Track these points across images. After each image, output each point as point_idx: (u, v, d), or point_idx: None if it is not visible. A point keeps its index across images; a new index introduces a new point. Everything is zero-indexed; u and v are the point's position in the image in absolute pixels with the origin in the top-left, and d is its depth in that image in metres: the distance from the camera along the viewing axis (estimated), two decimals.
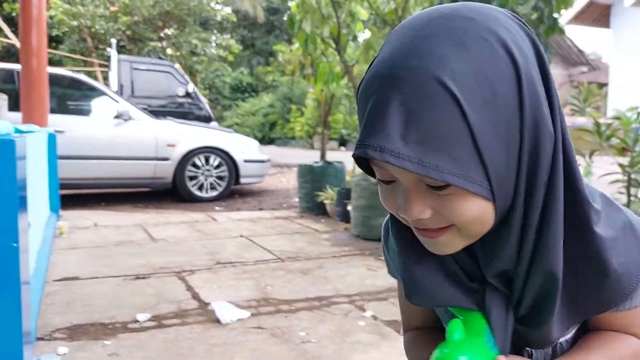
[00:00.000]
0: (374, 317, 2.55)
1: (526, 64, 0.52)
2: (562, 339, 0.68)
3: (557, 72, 16.67)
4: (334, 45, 4.89)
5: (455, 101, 0.49)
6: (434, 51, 0.50)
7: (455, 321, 0.61)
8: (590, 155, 3.22)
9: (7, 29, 11.19)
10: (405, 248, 0.63)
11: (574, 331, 0.69)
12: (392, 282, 3.11)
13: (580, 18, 12.91)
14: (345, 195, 4.93)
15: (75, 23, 12.19)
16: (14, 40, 8.42)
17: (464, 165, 0.50)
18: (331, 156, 7.54)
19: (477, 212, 0.54)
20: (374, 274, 3.28)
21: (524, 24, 0.56)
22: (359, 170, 5.11)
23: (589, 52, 23.84)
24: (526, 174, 0.54)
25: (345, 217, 4.92)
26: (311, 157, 7.16)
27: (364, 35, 6.01)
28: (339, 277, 3.22)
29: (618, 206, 0.63)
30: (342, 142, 17.02)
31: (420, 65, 0.50)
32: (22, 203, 1.53)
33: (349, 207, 4.64)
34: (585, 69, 16.37)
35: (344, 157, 6.65)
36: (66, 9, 11.89)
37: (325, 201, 5.41)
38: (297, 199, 6.15)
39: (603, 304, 0.62)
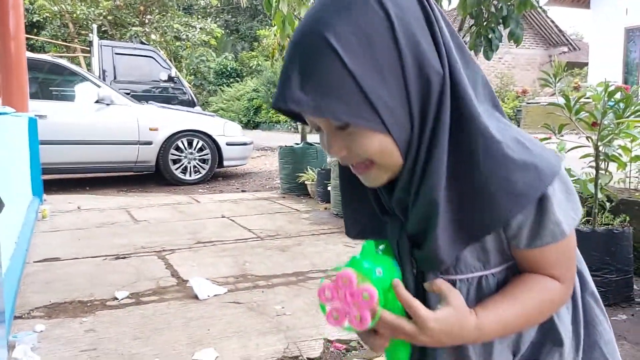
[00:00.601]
0: None
1: (402, 14, 0.61)
2: (486, 272, 0.71)
3: (537, 52, 16.78)
4: None
5: (337, 54, 0.59)
6: (324, 17, 0.61)
7: (368, 241, 0.71)
8: (560, 129, 3.29)
9: None
10: (343, 191, 0.77)
11: (501, 268, 0.71)
12: None
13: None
14: (325, 176, 4.99)
15: (56, 8, 12.03)
16: None
17: (355, 106, 0.59)
18: (313, 138, 7.59)
19: (378, 146, 0.63)
20: (351, 250, 3.36)
21: None
22: None
23: (570, 33, 23.99)
24: (418, 107, 0.62)
25: (326, 197, 4.99)
26: (296, 140, 7.20)
27: None
28: (316, 253, 3.30)
29: (528, 147, 0.66)
30: None
31: (313, 30, 0.61)
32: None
33: (329, 188, 4.70)
34: (565, 49, 16.50)
35: None
36: None
37: (307, 182, 5.47)
38: (278, 181, 6.21)
39: (488, 222, 0.65)
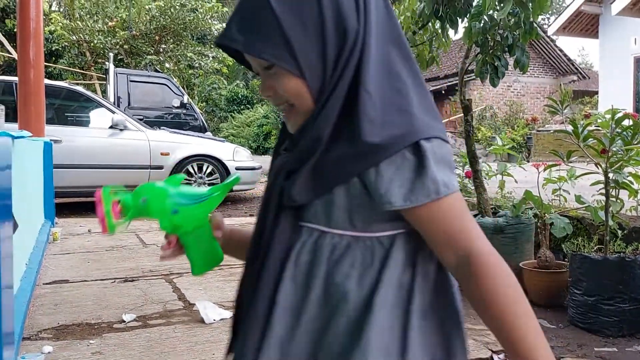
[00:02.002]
0: None
1: None
2: (327, 230, 0.71)
3: (546, 81, 16.82)
4: None
5: (269, 4, 0.68)
6: None
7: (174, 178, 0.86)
8: (568, 156, 3.30)
9: (7, 44, 11.33)
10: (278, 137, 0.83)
11: (343, 232, 0.70)
12: None
13: (568, 28, 13.08)
14: None
15: (74, 38, 12.34)
16: (15, 55, 8.55)
17: (277, 48, 0.68)
18: None
19: (294, 88, 0.70)
20: None
21: None
22: None
23: (579, 62, 24.08)
24: (333, 58, 0.69)
25: None
26: None
27: None
28: None
29: (405, 110, 0.67)
30: None
31: None
32: (5, 207, 1.60)
33: None
34: (575, 77, 16.52)
35: None
36: (65, 24, 12.05)
37: None
38: None
39: (342, 170, 0.67)
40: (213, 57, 14.19)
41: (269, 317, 0.71)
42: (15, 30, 7.01)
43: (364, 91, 0.67)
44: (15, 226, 1.71)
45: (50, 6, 14.86)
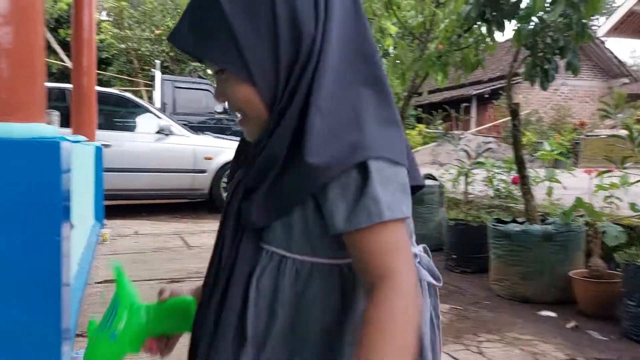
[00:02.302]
0: None
1: None
2: (288, 254, 0.68)
3: (595, 84, 16.26)
4: None
5: (219, 3, 0.64)
6: None
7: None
8: (622, 161, 3.18)
9: (61, 52, 11.82)
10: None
11: (304, 258, 0.67)
12: None
13: (619, 29, 12.61)
14: None
15: (123, 46, 12.79)
16: (68, 63, 8.92)
17: (227, 53, 0.64)
18: None
19: (244, 96, 0.67)
20: None
21: None
22: None
23: (631, 64, 23.17)
24: (286, 65, 0.64)
25: None
26: None
27: (393, 50, 6.10)
28: None
29: (360, 124, 0.62)
30: None
31: None
32: (66, 209, 1.67)
33: None
34: (626, 80, 15.91)
35: None
36: (115, 33, 12.51)
37: None
38: None
39: (298, 192, 0.63)
40: None
41: (238, 348, 0.69)
42: (67, 39, 7.31)
43: (314, 106, 0.62)
44: (71, 227, 1.78)
45: (100, 15, 15.46)
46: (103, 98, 6.16)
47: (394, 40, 5.15)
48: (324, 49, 0.63)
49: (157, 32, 12.58)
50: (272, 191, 0.65)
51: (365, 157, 0.60)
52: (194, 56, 0.69)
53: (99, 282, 3.21)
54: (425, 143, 14.42)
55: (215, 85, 0.71)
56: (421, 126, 14.76)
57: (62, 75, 12.97)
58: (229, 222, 0.72)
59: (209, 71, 12.09)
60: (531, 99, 14.83)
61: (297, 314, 0.67)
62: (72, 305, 2.28)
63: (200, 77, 10.81)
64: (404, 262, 0.62)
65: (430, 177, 4.46)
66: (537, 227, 2.96)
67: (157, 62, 10.60)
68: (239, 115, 0.71)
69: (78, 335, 2.35)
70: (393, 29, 5.23)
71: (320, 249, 0.67)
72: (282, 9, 0.63)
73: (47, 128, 1.64)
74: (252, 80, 0.64)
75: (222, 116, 9.41)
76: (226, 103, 0.71)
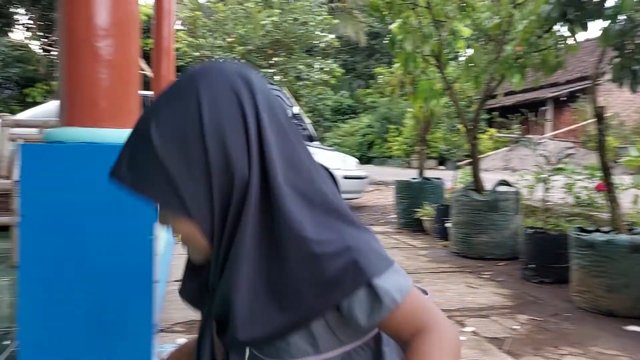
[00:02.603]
0: (475, 333, 2.53)
1: (215, 116, 0.67)
2: (319, 357, 0.71)
3: None
4: (434, 63, 4.92)
5: (152, 144, 0.66)
6: (157, 104, 0.70)
7: None
8: None
9: (141, 61, 12.43)
10: (185, 270, 0.80)
11: (335, 353, 0.71)
12: (494, 300, 3.07)
13: None
14: (443, 212, 4.89)
15: (197, 54, 13.29)
16: (147, 71, 9.38)
17: (163, 192, 0.66)
18: (429, 174, 7.50)
19: (186, 229, 0.69)
20: (474, 292, 3.24)
21: (244, 83, 0.69)
22: (459, 186, 5.05)
23: None
24: (220, 203, 0.67)
25: (443, 234, 4.88)
26: (408, 175, 7.17)
27: (466, 52, 5.97)
28: (437, 291, 3.22)
29: (351, 245, 0.66)
30: (441, 161, 16.72)
31: (145, 115, 0.70)
32: (156, 210, 1.76)
33: (448, 224, 4.60)
34: None
35: (443, 176, 6.58)
36: (190, 42, 13.04)
37: (423, 218, 5.39)
38: (394, 215, 6.19)
39: (298, 318, 0.66)
40: (321, 69, 14.54)
41: None
42: (145, 48, 7.69)
43: (294, 241, 0.65)
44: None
45: (175, 25, 16.09)
46: None
47: (466, 43, 5.05)
48: (272, 185, 0.66)
49: (229, 39, 12.98)
50: (257, 317, 0.67)
51: (367, 279, 0.66)
52: (134, 191, 0.68)
53: (177, 281, 3.35)
54: (496, 148, 13.98)
55: (159, 211, 0.72)
56: (492, 130, 14.34)
57: (143, 83, 13.61)
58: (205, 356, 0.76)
59: (276, 77, 12.30)
60: (612, 101, 14.02)
61: None
62: (157, 303, 2.40)
63: (269, 83, 11.07)
64: (433, 313, 0.70)
65: (505, 183, 4.32)
66: (624, 237, 2.80)
67: None
68: (180, 240, 0.73)
69: (161, 331, 2.46)
70: (466, 32, 5.13)
71: (345, 338, 0.72)
72: (214, 150, 0.66)
73: None
74: (191, 216, 0.67)
75: None
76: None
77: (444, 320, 0.71)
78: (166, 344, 2.30)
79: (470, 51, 5.23)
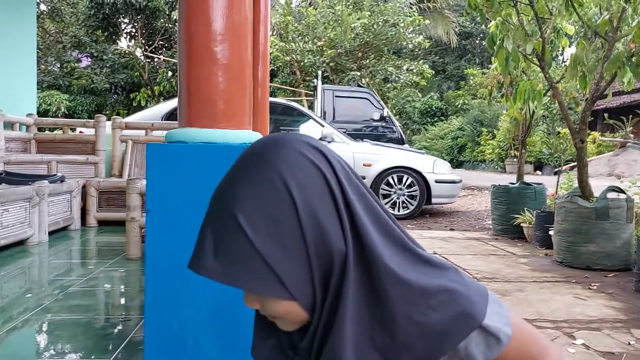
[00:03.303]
0: (586, 346, 2.38)
1: (305, 196, 0.64)
2: None
3: None
4: (536, 63, 4.69)
5: (245, 234, 0.63)
6: (235, 195, 0.65)
7: None
8: None
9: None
10: (256, 327, 0.79)
11: None
12: (606, 313, 2.87)
13: None
14: (546, 219, 4.64)
15: (287, 58, 13.66)
16: None
17: (261, 279, 0.63)
18: (530, 178, 7.15)
19: (285, 309, 0.66)
20: (583, 303, 3.04)
21: (322, 156, 0.68)
22: (562, 192, 4.77)
23: None
24: (320, 280, 0.65)
25: (545, 242, 4.63)
26: (502, 180, 6.87)
27: (569, 51, 5.64)
28: (542, 301, 3.06)
29: (458, 292, 0.67)
30: (538, 166, 15.88)
31: (225, 207, 0.65)
32: None
33: (551, 232, 4.35)
34: None
35: (541, 181, 6.25)
36: (281, 46, 13.43)
37: (523, 224, 5.15)
38: (489, 221, 5.97)
39: None
40: (410, 70, 14.37)
41: None
42: None
43: (402, 305, 0.65)
44: None
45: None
46: (273, 107, 6.64)
47: (571, 40, 4.77)
48: (368, 253, 0.65)
49: (319, 43, 13.21)
50: None
51: (478, 323, 0.67)
52: (226, 284, 0.65)
53: None
54: (599, 153, 13.05)
55: (245, 294, 0.69)
56: (595, 134, 13.41)
57: None
58: None
59: (364, 80, 12.33)
60: None
61: None
62: None
63: (359, 85, 11.10)
64: (543, 341, 0.75)
65: (616, 189, 4.02)
66: None
67: (319, 72, 11.13)
68: (269, 315, 0.70)
69: None
70: (570, 29, 4.85)
71: None
72: (309, 229, 0.64)
73: (255, 135, 1.81)
74: (292, 296, 0.65)
75: (378, 124, 9.54)
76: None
77: (550, 344, 0.76)
78: None
79: (573, 49, 4.93)
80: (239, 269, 0.63)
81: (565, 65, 4.87)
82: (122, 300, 3.00)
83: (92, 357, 2.06)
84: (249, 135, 1.75)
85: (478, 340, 0.68)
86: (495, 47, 4.61)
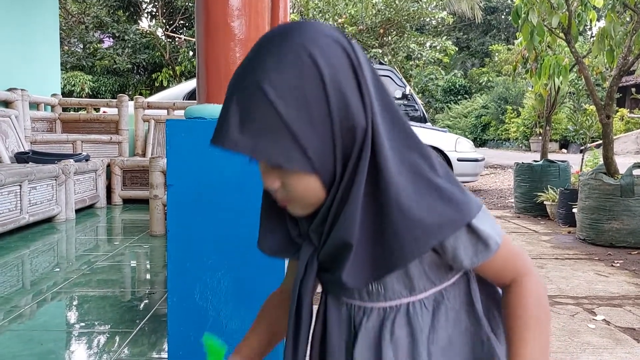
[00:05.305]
0: (606, 322, 2.36)
1: (333, 72, 0.65)
2: (413, 299, 0.75)
3: None
4: (562, 37, 4.57)
5: (273, 105, 0.63)
6: (261, 67, 0.65)
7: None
8: None
9: None
10: (264, 209, 0.80)
11: (428, 293, 0.75)
12: (628, 289, 2.84)
13: None
14: (569, 196, 4.58)
15: None
16: None
17: (288, 151, 0.64)
18: (554, 156, 7.05)
19: (306, 185, 0.68)
20: (605, 280, 3.02)
21: (345, 39, 0.69)
22: (586, 170, 4.68)
23: None
24: (341, 155, 0.67)
25: (568, 220, 4.57)
26: (526, 159, 6.78)
27: (598, 25, 5.47)
28: (562, 278, 3.04)
29: (429, 179, 0.68)
30: (564, 144, 15.58)
31: (251, 79, 0.65)
32: None
33: (575, 210, 4.30)
34: None
35: (566, 159, 6.14)
36: None
37: (546, 202, 5.09)
38: (512, 200, 5.91)
39: (396, 261, 0.67)
40: (433, 47, 14.13)
41: None
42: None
43: (394, 189, 0.66)
44: None
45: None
46: None
47: (600, 14, 4.63)
48: (376, 134, 0.67)
49: (340, 20, 13.05)
50: (362, 262, 0.69)
51: (468, 220, 0.68)
52: (253, 157, 0.66)
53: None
54: (627, 130, 12.71)
55: (264, 173, 0.70)
56: (624, 110, 13.06)
57: None
58: (306, 299, 0.77)
59: (386, 58, 12.16)
60: None
61: (444, 344, 0.76)
62: None
63: (380, 63, 10.98)
64: (527, 261, 0.77)
65: None
66: None
67: None
68: (285, 197, 0.71)
69: None
70: (599, 1, 4.70)
71: (436, 279, 0.76)
72: (335, 102, 0.65)
73: None
74: (316, 171, 0.66)
75: (400, 102, 9.44)
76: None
77: (533, 267, 0.77)
78: None
79: (602, 24, 4.78)
80: (266, 141, 0.63)
81: (593, 40, 4.73)
82: (147, 275, 3.08)
83: (119, 328, 2.13)
84: None
85: (467, 244, 0.70)
86: (520, 21, 4.50)
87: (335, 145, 0.66)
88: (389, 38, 13.10)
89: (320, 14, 13.30)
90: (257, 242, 0.80)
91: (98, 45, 15.91)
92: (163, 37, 15.83)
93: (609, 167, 4.02)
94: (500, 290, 0.80)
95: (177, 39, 15.97)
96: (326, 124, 0.65)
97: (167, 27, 15.75)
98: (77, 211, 4.75)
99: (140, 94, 13.90)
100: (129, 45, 15.49)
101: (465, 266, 0.73)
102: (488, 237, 0.71)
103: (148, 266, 3.25)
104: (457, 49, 17.56)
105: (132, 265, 3.21)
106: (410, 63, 14.17)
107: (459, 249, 0.70)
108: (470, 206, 0.69)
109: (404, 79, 10.19)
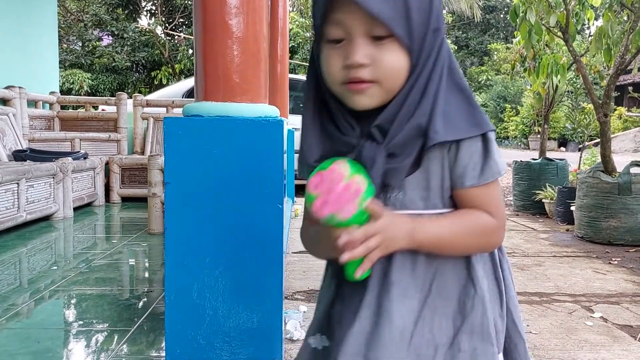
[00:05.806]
0: (604, 319, 2.37)
1: None
2: (426, 212, 0.80)
3: None
4: (560, 36, 4.58)
5: None
6: None
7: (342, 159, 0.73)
8: None
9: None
10: (312, 138, 0.82)
11: (437, 211, 0.80)
12: (625, 287, 2.84)
13: None
14: (568, 194, 4.58)
15: (308, 34, 13.53)
16: None
17: (399, 19, 0.71)
18: (552, 154, 7.05)
19: (397, 63, 0.74)
20: (602, 277, 3.02)
21: None
22: (584, 168, 4.69)
23: None
24: (427, 48, 0.75)
25: (566, 218, 4.58)
26: (525, 157, 6.78)
27: (594, 24, 5.48)
28: (560, 276, 3.05)
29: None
30: (562, 143, 15.59)
31: None
32: (291, 188, 1.84)
33: (573, 208, 4.30)
34: None
35: (565, 157, 6.14)
36: (301, 22, 13.27)
37: (544, 200, 5.10)
38: (510, 197, 5.91)
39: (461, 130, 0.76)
40: None
41: (385, 300, 0.79)
42: None
43: (459, 86, 0.79)
44: (292, 202, 1.96)
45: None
46: (293, 84, 6.62)
47: (597, 13, 4.63)
48: (443, 43, 0.78)
49: None
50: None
51: (487, 129, 0.77)
52: (370, 10, 0.70)
53: (295, 252, 3.50)
54: (625, 128, 12.71)
55: (357, 46, 0.73)
56: (621, 109, 13.07)
57: None
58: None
59: None
60: None
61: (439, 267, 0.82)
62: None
63: None
64: (503, 212, 0.83)
65: (639, 164, 3.94)
66: None
67: None
68: (372, 74, 0.74)
69: (284, 298, 2.59)
70: (596, 1, 4.70)
71: (447, 200, 0.81)
72: (435, 2, 0.76)
73: (271, 108, 1.82)
74: (410, 50, 0.73)
75: None
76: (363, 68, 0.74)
77: (505, 221, 0.84)
78: (291, 310, 2.43)
79: (599, 22, 4.78)
80: (387, 4, 0.71)
81: (590, 38, 4.73)
82: (145, 273, 3.08)
83: (117, 326, 2.13)
84: (264, 109, 1.76)
85: (477, 159, 0.78)
86: (518, 20, 4.50)
87: (426, 34, 0.75)
88: None
89: None
90: (301, 157, 0.84)
91: (97, 43, 15.88)
92: (162, 35, 15.81)
93: (607, 165, 4.03)
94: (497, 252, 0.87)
95: (176, 37, 15.94)
96: (427, 12, 0.74)
97: (167, 25, 15.73)
98: (75, 209, 4.74)
99: (139, 92, 13.87)
100: (128, 43, 15.46)
101: (470, 183, 0.78)
102: (496, 163, 0.78)
103: (146, 264, 3.25)
104: (456, 47, 17.55)
105: (130, 263, 3.21)
106: None
107: (469, 165, 0.78)
108: (490, 124, 0.80)
109: None
